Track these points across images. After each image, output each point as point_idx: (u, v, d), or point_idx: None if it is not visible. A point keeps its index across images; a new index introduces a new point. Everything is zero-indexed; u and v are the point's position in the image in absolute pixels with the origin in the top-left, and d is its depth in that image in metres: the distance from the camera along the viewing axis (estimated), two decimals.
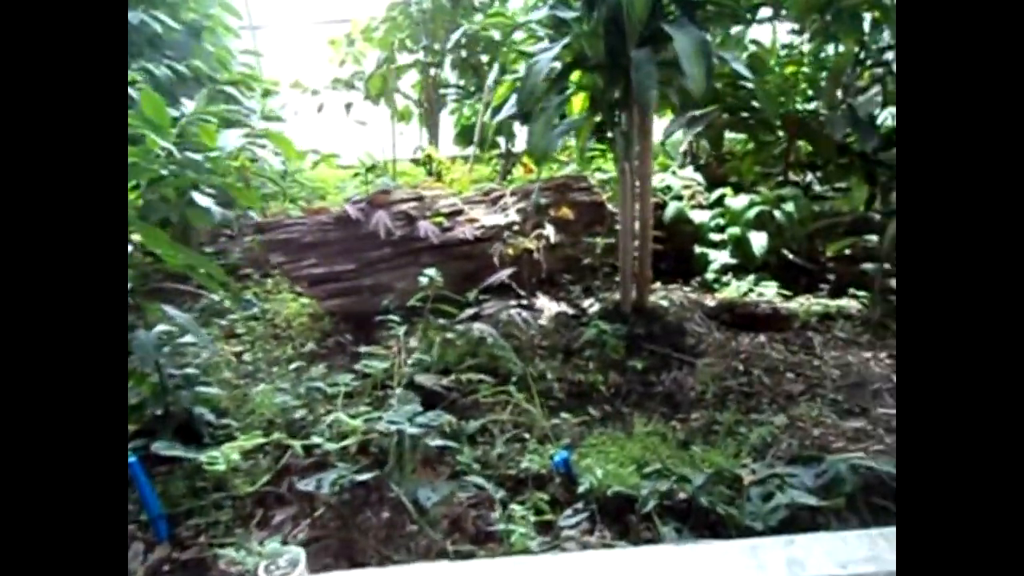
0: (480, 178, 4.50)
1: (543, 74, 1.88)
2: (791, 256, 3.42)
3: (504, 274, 2.43)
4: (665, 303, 2.89)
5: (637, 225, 2.58)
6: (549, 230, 2.90)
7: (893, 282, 2.70)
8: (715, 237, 3.48)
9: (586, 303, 2.87)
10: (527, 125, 2.07)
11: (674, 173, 4.03)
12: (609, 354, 2.36)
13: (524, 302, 2.85)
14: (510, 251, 2.80)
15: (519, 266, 2.84)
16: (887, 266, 2.69)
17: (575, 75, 2.50)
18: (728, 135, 4.30)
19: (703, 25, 2.21)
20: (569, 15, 2.05)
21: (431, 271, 2.11)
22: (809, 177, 4.27)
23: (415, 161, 5.16)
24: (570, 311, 2.83)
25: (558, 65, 2.04)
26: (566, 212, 2.84)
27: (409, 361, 2.16)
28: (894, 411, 2.03)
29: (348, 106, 5.20)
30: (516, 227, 2.88)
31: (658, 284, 3.30)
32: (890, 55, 3.04)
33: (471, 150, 4.63)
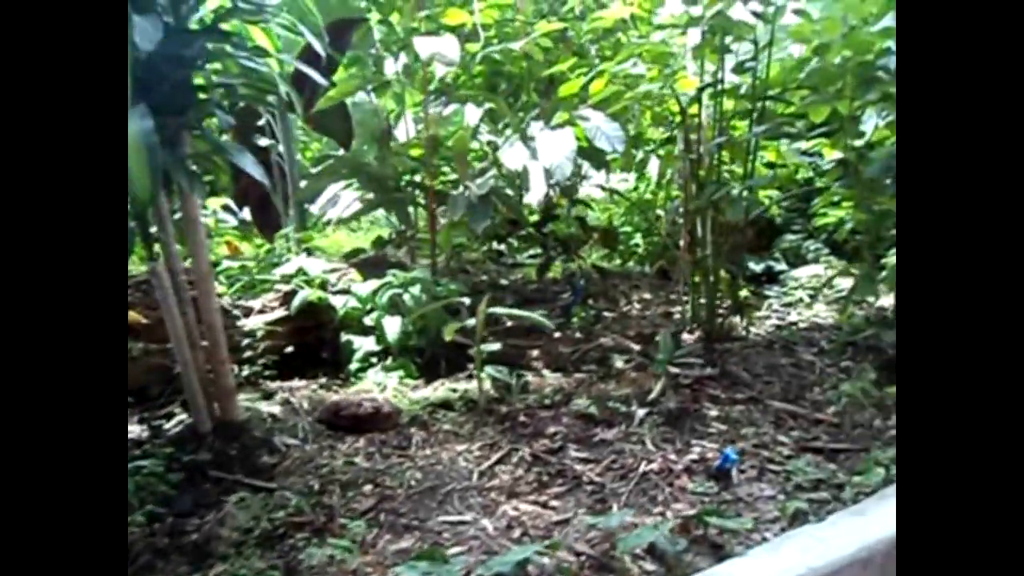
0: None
1: None
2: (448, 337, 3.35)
3: None
4: (274, 409, 2.54)
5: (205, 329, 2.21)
6: None
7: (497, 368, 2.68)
8: (369, 322, 3.27)
9: (170, 423, 2.39)
10: None
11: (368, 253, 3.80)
12: (145, 496, 1.89)
13: None
14: None
15: None
16: (490, 348, 2.67)
17: None
18: None
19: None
20: None
21: None
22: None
23: None
24: (145, 435, 2.32)
25: None
26: (137, 316, 2.37)
27: None
28: (456, 517, 1.89)
29: None
30: None
31: (295, 382, 2.96)
32: (499, 140, 3.20)
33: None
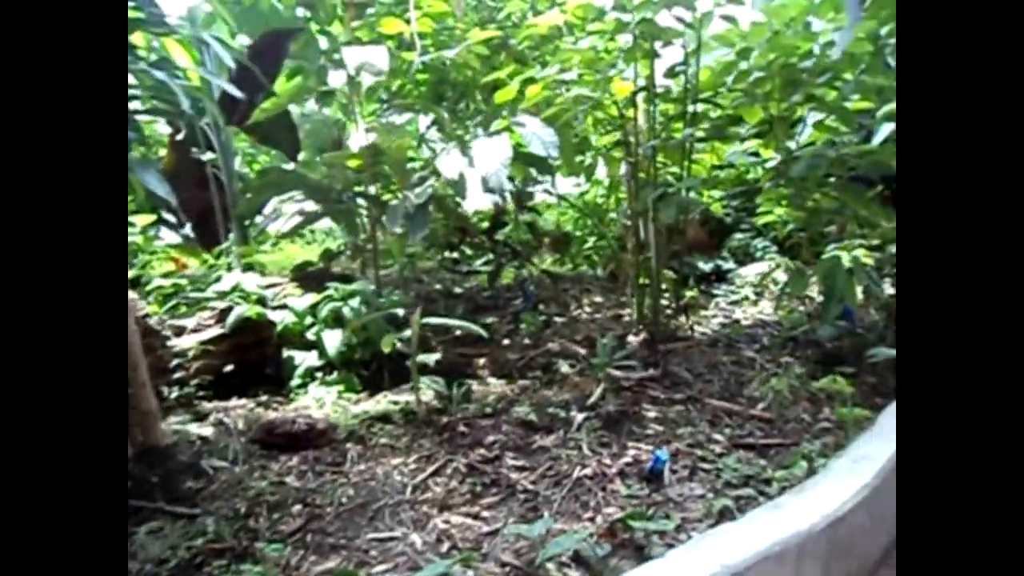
0: None
1: None
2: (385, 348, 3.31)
3: None
4: (206, 431, 2.46)
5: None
6: None
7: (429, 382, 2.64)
8: (312, 336, 3.21)
9: None
10: None
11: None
12: None
13: None
14: None
15: None
16: (428, 359, 2.64)
17: None
18: None
19: None
20: None
21: None
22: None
23: None
24: None
25: None
26: None
27: None
28: (386, 534, 1.85)
29: None
30: None
31: (233, 401, 2.88)
32: (441, 147, 3.18)
33: None
